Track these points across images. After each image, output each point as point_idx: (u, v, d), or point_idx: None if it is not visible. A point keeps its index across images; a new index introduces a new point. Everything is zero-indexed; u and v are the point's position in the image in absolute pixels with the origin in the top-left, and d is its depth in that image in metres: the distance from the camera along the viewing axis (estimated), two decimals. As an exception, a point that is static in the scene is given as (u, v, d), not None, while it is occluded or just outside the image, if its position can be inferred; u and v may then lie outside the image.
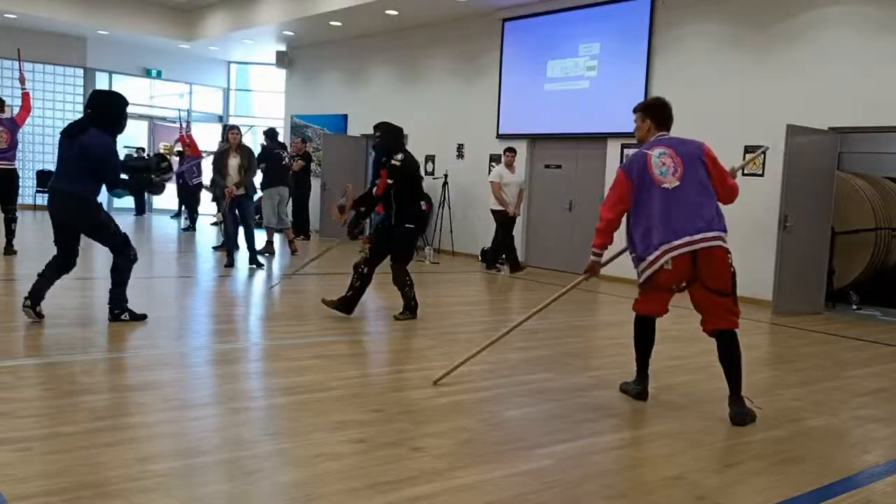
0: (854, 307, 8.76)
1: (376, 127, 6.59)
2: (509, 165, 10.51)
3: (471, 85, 12.51)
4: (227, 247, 9.42)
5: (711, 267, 3.98)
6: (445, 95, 12.96)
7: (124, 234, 5.56)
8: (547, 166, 11.55)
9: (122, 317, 5.58)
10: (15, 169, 9.15)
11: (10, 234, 8.99)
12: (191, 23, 16.47)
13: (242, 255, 9.56)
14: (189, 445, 3.23)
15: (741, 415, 3.95)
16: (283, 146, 11.52)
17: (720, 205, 4.17)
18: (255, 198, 10.01)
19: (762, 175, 8.74)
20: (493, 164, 12.11)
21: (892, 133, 9.11)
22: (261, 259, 9.49)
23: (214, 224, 14.36)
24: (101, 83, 17.70)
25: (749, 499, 3.00)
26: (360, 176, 14.74)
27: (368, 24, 13.54)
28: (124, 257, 5.51)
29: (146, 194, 17.22)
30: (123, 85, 18.12)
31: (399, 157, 6.27)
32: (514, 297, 8.85)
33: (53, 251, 5.49)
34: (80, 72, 17.36)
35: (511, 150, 10.59)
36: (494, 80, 12.04)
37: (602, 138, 10.56)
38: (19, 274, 7.89)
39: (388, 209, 6.39)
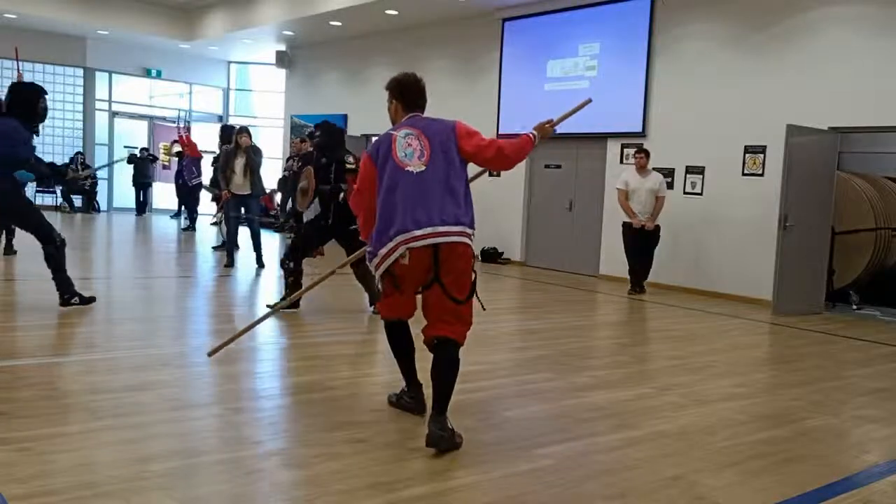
0: (854, 307, 8.75)
1: (317, 126, 6.71)
2: (641, 169, 9.00)
3: (471, 85, 12.51)
4: (227, 246, 9.42)
5: (453, 266, 3.45)
6: (445, 95, 12.93)
7: (48, 223, 5.81)
8: (547, 166, 11.55)
9: (73, 301, 5.75)
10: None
11: (9, 233, 8.98)
12: (191, 23, 16.47)
13: (242, 255, 9.56)
14: (189, 445, 3.23)
15: (439, 434, 3.25)
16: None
17: (491, 170, 3.84)
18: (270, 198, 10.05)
19: (762, 175, 8.74)
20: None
21: (892, 133, 9.11)
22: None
23: (214, 224, 14.36)
24: (101, 83, 17.71)
25: (749, 499, 3.00)
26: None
27: (368, 24, 13.54)
28: (52, 245, 5.70)
29: (144, 194, 17.30)
30: (123, 85, 18.15)
31: (350, 159, 6.41)
32: (513, 297, 8.85)
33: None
34: (80, 72, 17.36)
35: (640, 152, 9.09)
36: (494, 80, 12.04)
37: (602, 138, 10.55)
38: (19, 274, 7.89)
39: (327, 210, 6.42)
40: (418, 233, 3.39)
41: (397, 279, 3.51)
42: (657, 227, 8.93)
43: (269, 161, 16.79)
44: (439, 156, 3.53)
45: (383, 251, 3.46)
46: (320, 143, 6.66)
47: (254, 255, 9.34)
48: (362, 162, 3.76)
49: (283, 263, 6.52)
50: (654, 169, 9.12)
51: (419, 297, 3.63)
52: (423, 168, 3.49)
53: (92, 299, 5.90)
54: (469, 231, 3.51)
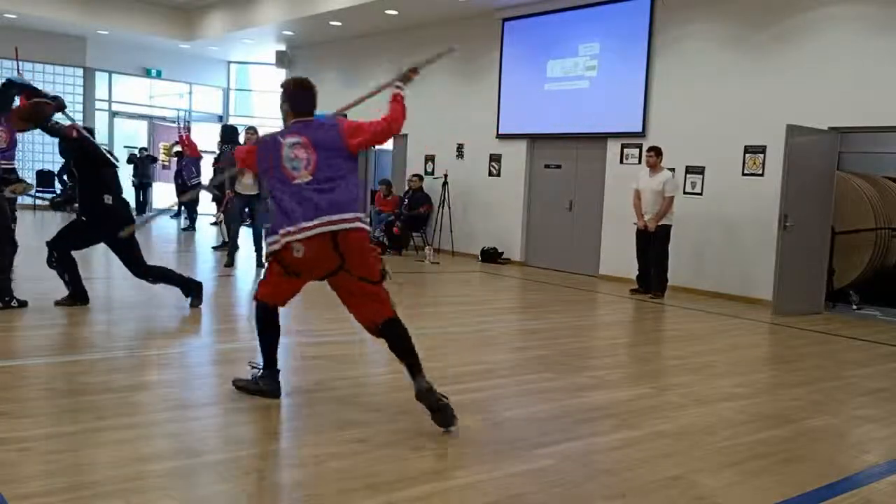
0: (854, 307, 8.75)
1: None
2: (651, 168, 8.83)
3: (471, 85, 12.51)
4: (228, 246, 9.42)
5: (353, 251, 3.63)
6: (445, 95, 12.96)
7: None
8: (547, 166, 11.54)
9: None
10: (14, 168, 9.13)
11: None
12: (191, 23, 16.46)
13: (242, 255, 9.56)
14: (189, 445, 3.23)
15: (428, 385, 3.54)
16: None
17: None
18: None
19: (762, 175, 8.74)
20: (494, 164, 12.13)
21: (892, 133, 9.11)
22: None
23: (214, 224, 14.36)
24: (101, 83, 17.71)
25: (749, 499, 3.00)
26: (360, 175, 14.74)
27: (368, 24, 13.53)
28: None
29: (144, 194, 17.30)
30: (123, 85, 18.14)
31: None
32: (513, 297, 8.85)
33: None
34: (80, 72, 17.36)
35: (651, 150, 8.89)
36: (494, 80, 12.04)
37: (602, 138, 10.55)
38: (19, 274, 7.88)
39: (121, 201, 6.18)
40: (311, 224, 3.57)
41: (291, 268, 3.70)
42: (661, 228, 8.69)
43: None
44: (325, 164, 3.70)
45: (277, 235, 3.64)
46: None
47: (255, 255, 9.32)
48: (247, 151, 4.03)
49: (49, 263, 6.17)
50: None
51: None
52: (310, 178, 3.67)
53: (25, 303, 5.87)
54: (360, 216, 3.70)
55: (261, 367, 3.98)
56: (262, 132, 11.60)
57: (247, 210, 9.31)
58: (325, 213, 3.59)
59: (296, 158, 3.71)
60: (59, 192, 16.88)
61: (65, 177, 16.64)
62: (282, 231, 3.62)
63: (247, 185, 9.05)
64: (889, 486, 3.25)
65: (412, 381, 3.58)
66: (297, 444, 3.37)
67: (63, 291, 6.09)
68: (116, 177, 6.24)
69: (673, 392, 4.60)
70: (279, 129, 3.90)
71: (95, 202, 5.90)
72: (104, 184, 5.98)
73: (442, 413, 3.53)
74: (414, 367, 3.62)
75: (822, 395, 4.77)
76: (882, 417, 4.36)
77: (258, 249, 9.29)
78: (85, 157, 5.98)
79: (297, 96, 3.96)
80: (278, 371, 3.99)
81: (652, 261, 8.81)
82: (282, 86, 4.02)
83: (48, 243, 5.94)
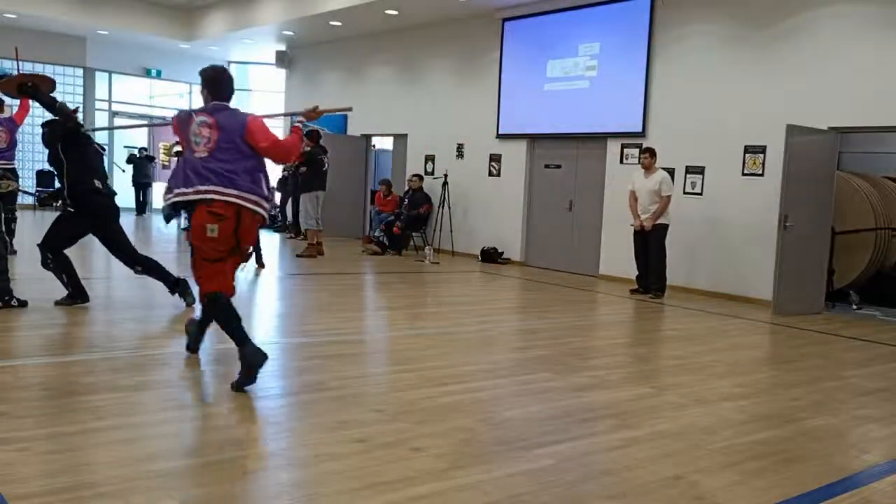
0: (854, 307, 8.76)
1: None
2: (647, 169, 8.83)
3: (471, 85, 12.51)
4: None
5: (244, 228, 4.12)
6: (445, 95, 12.96)
7: None
8: (547, 166, 11.55)
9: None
10: (14, 169, 9.15)
11: (9, 234, 8.98)
12: (191, 23, 16.46)
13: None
14: (189, 445, 3.23)
15: (254, 352, 4.03)
16: (325, 150, 11.33)
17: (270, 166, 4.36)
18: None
19: (762, 175, 8.75)
20: (494, 164, 12.13)
21: (892, 133, 9.11)
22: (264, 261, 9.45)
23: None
24: (101, 83, 17.71)
25: (749, 499, 3.00)
26: (360, 175, 14.76)
27: (368, 24, 13.53)
28: None
29: (144, 194, 17.31)
30: (123, 85, 18.14)
31: None
32: (513, 297, 8.85)
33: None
34: (80, 72, 17.37)
35: (645, 152, 8.90)
36: (494, 80, 12.04)
37: (602, 138, 10.56)
38: (19, 274, 7.88)
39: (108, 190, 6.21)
40: (191, 189, 4.05)
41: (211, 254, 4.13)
42: (658, 228, 8.73)
43: (268, 161, 16.83)
44: (224, 147, 4.08)
45: (171, 197, 4.15)
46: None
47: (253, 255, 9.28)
48: (173, 124, 4.38)
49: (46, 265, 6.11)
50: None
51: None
52: (206, 154, 4.08)
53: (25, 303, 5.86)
54: (248, 196, 4.07)
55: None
56: (305, 134, 11.67)
57: None
58: (213, 184, 4.01)
59: (199, 135, 4.13)
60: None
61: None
62: (177, 191, 4.10)
63: None
64: (889, 486, 3.25)
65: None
66: (297, 444, 3.37)
67: (62, 291, 6.09)
68: (104, 162, 6.28)
69: (673, 392, 4.60)
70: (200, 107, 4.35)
71: (84, 187, 5.87)
72: (93, 168, 5.98)
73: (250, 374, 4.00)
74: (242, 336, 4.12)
75: (822, 395, 4.77)
76: (882, 417, 4.36)
77: (256, 249, 9.24)
78: (76, 140, 5.93)
79: (214, 82, 4.37)
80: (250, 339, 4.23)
81: (651, 261, 8.81)
82: (200, 73, 4.44)
83: (39, 245, 5.92)
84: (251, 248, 4.37)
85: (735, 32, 9.07)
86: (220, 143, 4.07)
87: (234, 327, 4.14)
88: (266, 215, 4.23)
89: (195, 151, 4.10)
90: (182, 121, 4.24)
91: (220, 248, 4.10)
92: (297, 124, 4.55)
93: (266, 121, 4.34)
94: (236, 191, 4.02)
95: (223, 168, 4.04)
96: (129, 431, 3.32)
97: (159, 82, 18.62)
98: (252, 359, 4.04)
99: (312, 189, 10.82)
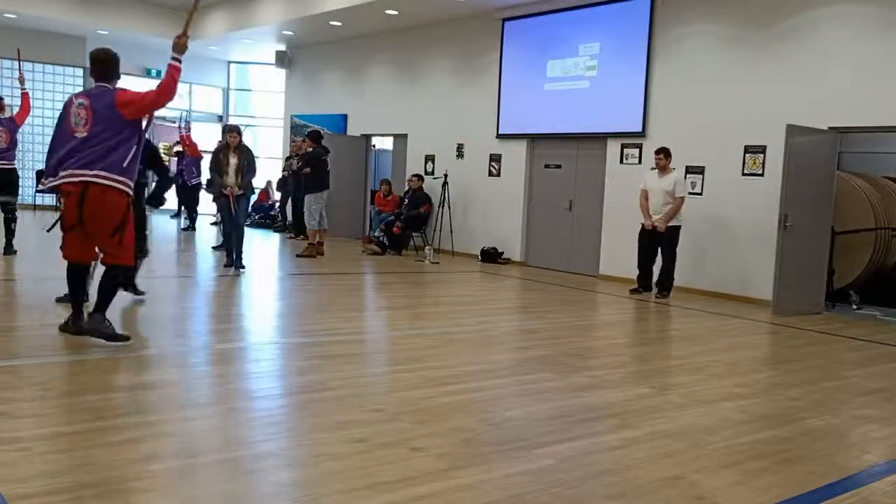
0: (854, 307, 8.76)
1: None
2: (662, 169, 8.74)
3: (470, 85, 12.51)
4: (226, 246, 9.38)
5: (92, 205, 4.55)
6: (445, 95, 12.96)
7: None
8: (547, 166, 11.54)
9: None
10: (14, 168, 9.15)
11: (9, 233, 8.99)
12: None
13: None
14: (189, 445, 3.23)
15: (98, 324, 4.71)
16: (327, 150, 11.29)
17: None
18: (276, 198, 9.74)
19: (762, 175, 8.75)
20: (494, 164, 12.13)
21: (892, 133, 9.11)
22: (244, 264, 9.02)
23: (214, 224, 14.36)
24: (101, 83, 17.69)
25: (749, 499, 3.00)
26: (360, 175, 14.76)
27: (368, 24, 13.53)
28: None
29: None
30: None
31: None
32: (513, 297, 8.85)
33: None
34: (80, 72, 17.35)
35: (660, 152, 8.78)
36: (494, 79, 12.04)
37: (602, 138, 10.56)
38: (19, 274, 7.89)
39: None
40: (65, 173, 4.53)
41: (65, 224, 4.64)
42: (671, 229, 8.65)
43: (269, 161, 16.83)
44: (100, 124, 4.55)
45: (52, 182, 4.62)
46: None
47: (234, 255, 8.87)
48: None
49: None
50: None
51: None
52: (86, 134, 4.55)
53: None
54: (113, 176, 4.54)
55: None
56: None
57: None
58: (83, 167, 4.47)
59: (77, 116, 4.59)
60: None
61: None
62: (62, 173, 4.54)
63: (231, 183, 8.66)
64: (889, 486, 3.25)
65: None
66: (297, 444, 3.37)
67: (62, 290, 6.08)
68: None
69: (673, 392, 4.60)
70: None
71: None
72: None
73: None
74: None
75: (822, 395, 4.77)
76: (882, 417, 4.36)
77: (238, 249, 8.88)
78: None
79: (93, 66, 4.81)
80: (81, 313, 4.90)
81: (662, 261, 8.76)
82: (90, 54, 4.87)
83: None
84: (118, 231, 4.69)
85: (735, 32, 9.07)
86: (95, 122, 4.54)
87: (70, 290, 4.92)
88: (128, 191, 4.64)
89: (74, 131, 4.56)
90: (66, 105, 4.71)
91: (69, 220, 4.61)
92: (171, 62, 4.81)
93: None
94: (89, 170, 4.49)
95: (96, 145, 4.50)
96: (129, 431, 3.32)
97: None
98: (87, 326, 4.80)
99: (317, 189, 10.80)
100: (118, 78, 4.88)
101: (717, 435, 3.80)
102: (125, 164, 4.59)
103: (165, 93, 4.69)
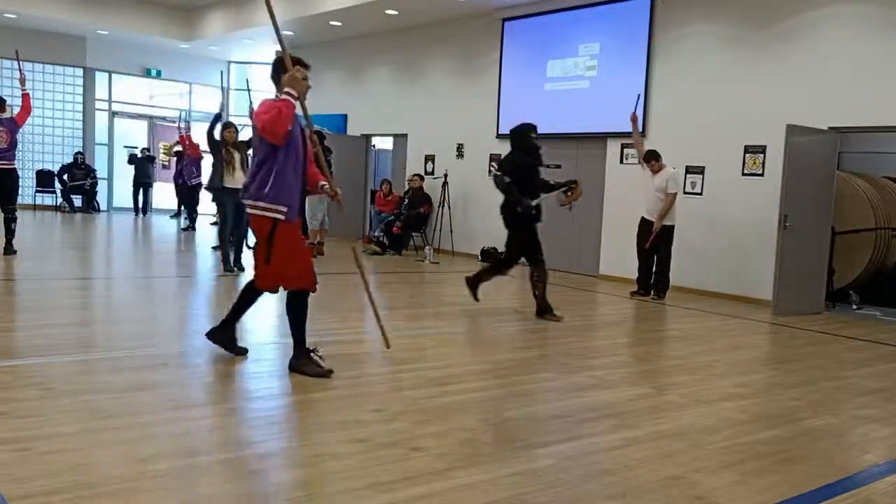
0: (854, 307, 8.76)
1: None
2: (655, 173, 8.63)
3: (470, 85, 12.51)
4: (225, 251, 9.31)
5: None
6: (445, 95, 12.96)
7: None
8: (547, 166, 11.50)
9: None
10: (15, 169, 9.16)
11: (9, 233, 8.99)
12: (191, 23, 16.46)
13: (244, 254, 9.53)
14: (189, 445, 3.22)
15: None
16: (329, 151, 11.26)
17: None
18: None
19: (762, 175, 8.75)
20: (494, 164, 12.12)
21: (892, 133, 9.11)
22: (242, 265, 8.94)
23: (214, 224, 14.35)
24: (101, 83, 17.71)
25: (749, 499, 3.00)
26: (359, 175, 14.75)
27: (368, 24, 13.53)
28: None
29: (144, 194, 17.32)
30: (123, 85, 18.14)
31: None
32: (514, 297, 8.84)
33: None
34: (80, 72, 17.36)
35: (649, 156, 8.70)
36: (494, 79, 12.04)
37: (602, 138, 10.55)
38: (19, 274, 7.88)
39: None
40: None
41: None
42: (665, 229, 8.57)
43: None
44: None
45: None
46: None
47: (232, 256, 8.81)
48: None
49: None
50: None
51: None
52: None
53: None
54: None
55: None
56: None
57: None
58: None
59: None
60: (60, 192, 16.85)
61: (65, 177, 16.69)
62: None
63: (240, 178, 8.40)
64: (889, 486, 3.25)
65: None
66: (297, 444, 3.36)
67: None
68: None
69: (673, 392, 4.60)
70: None
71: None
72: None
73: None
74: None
75: (822, 395, 4.77)
76: (882, 417, 4.36)
77: (238, 250, 8.82)
78: None
79: None
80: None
81: (657, 263, 8.69)
82: None
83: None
84: None
85: (735, 32, 9.07)
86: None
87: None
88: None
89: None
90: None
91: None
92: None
93: None
94: None
95: None
96: (129, 431, 3.31)
97: (159, 82, 18.62)
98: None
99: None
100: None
101: (717, 435, 3.80)
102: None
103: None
